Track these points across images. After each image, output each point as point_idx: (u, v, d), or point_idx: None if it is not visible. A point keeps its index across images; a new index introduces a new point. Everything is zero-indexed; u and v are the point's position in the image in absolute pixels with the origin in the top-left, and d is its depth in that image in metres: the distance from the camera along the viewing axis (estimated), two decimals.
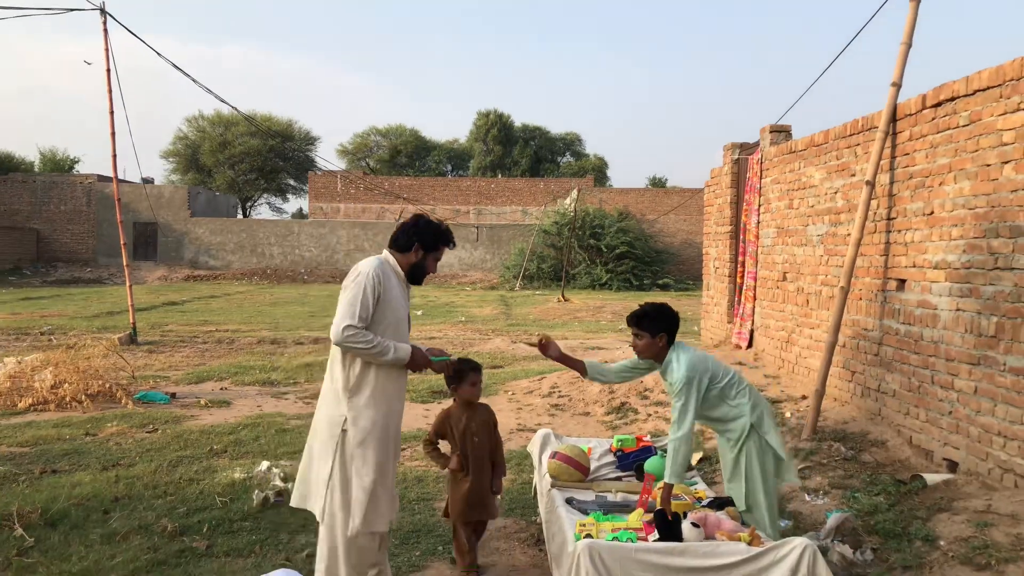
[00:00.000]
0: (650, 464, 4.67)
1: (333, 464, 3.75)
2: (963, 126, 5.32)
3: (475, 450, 4.47)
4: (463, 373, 4.51)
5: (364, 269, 3.85)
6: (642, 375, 4.57)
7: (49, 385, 8.96)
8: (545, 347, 4.40)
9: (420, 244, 4.01)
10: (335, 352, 3.86)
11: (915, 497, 5.06)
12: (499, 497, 4.68)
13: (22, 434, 7.48)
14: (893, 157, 6.26)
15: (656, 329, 4.24)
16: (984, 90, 5.08)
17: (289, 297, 25.59)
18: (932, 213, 5.67)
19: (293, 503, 3.94)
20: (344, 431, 3.77)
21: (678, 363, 4.15)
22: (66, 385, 8.98)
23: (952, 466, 5.36)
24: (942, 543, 4.34)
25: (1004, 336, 4.83)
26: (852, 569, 4.37)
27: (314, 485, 3.82)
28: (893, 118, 6.25)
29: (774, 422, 4.28)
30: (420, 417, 8.47)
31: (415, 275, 4.06)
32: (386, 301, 3.85)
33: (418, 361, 3.95)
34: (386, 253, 4.04)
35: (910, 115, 6.01)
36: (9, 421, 8.11)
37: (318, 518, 3.81)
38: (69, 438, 7.40)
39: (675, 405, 4.14)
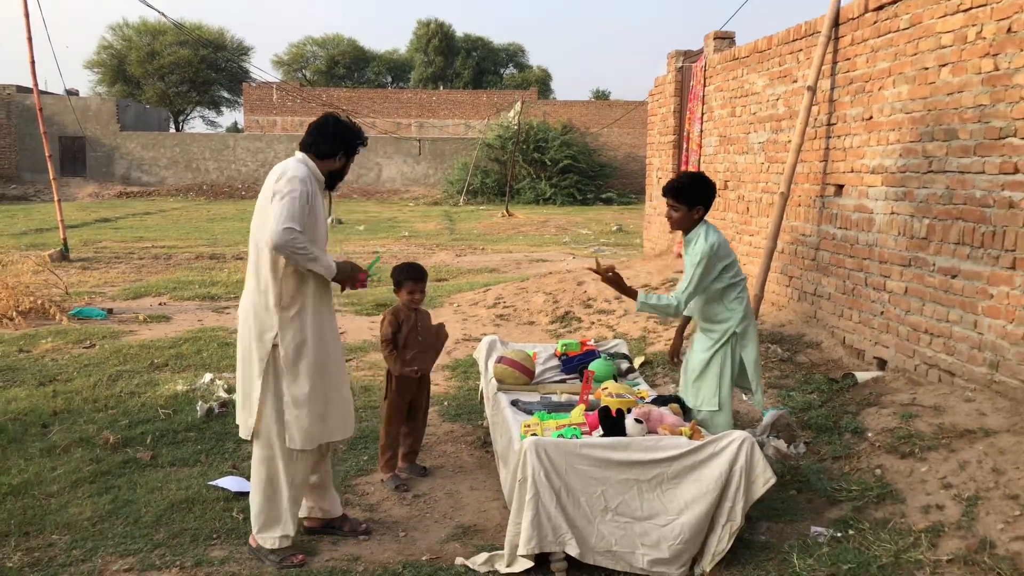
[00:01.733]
0: (594, 366, 4.74)
1: (265, 380, 3.59)
2: (903, 29, 5.34)
3: (420, 347, 4.56)
4: (399, 282, 4.54)
5: (295, 173, 3.57)
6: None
7: None
8: (609, 277, 4.22)
9: (344, 151, 3.77)
10: (264, 262, 3.58)
11: (846, 394, 5.28)
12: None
13: None
14: (835, 62, 6.27)
15: (693, 201, 4.10)
16: None
17: (227, 213, 24.97)
18: (871, 118, 5.73)
19: (243, 435, 3.76)
20: (275, 346, 3.59)
21: (705, 237, 4.05)
22: None
23: (881, 364, 5.58)
24: (870, 434, 4.55)
25: (934, 237, 4.97)
26: (786, 461, 4.57)
27: (249, 404, 3.66)
28: (836, 22, 6.24)
29: (757, 340, 4.24)
30: (366, 329, 8.46)
31: (332, 181, 3.82)
32: (314, 209, 3.62)
33: (345, 271, 3.71)
34: (303, 156, 3.73)
35: (852, 19, 6.01)
36: None
37: (246, 435, 3.69)
38: (1, 355, 7.20)
39: (687, 273, 4.07)
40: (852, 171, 5.98)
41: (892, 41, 5.47)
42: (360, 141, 3.84)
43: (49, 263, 12.00)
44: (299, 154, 3.75)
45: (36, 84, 14.04)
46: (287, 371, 3.61)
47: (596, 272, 4.10)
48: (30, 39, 13.64)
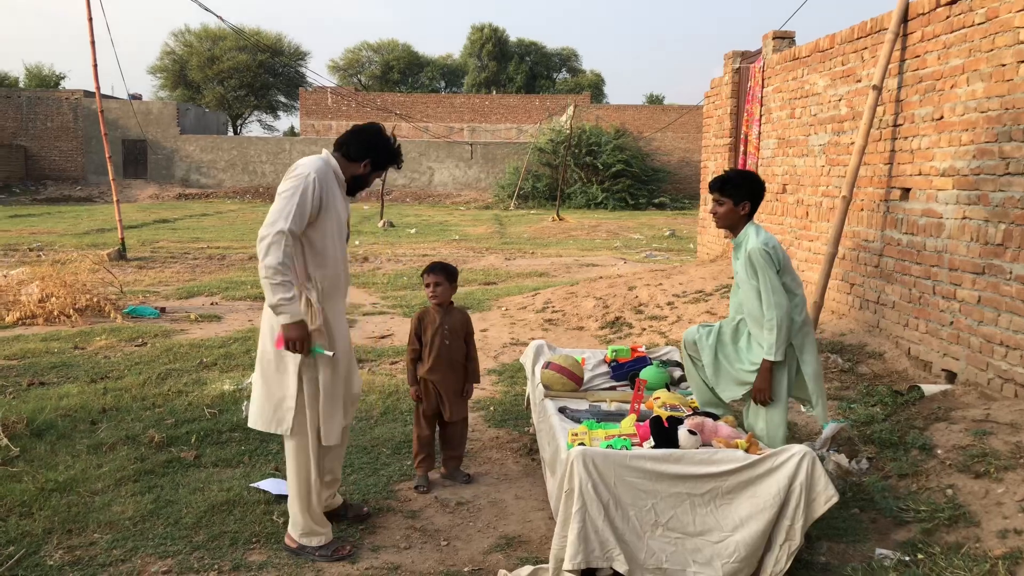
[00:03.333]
0: (645, 373, 4.57)
1: (300, 376, 3.56)
2: (979, 24, 5.06)
3: (443, 352, 4.41)
4: (422, 277, 4.48)
5: (305, 170, 3.51)
6: None
7: (36, 299, 8.83)
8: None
9: (372, 160, 3.73)
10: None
11: (912, 407, 5.01)
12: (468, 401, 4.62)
13: (10, 347, 7.38)
14: (902, 60, 6.00)
15: (740, 196, 3.94)
16: None
17: None
18: (942, 118, 5.45)
19: (251, 424, 3.73)
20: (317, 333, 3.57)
21: (756, 235, 3.88)
22: (54, 299, 8.85)
23: (951, 377, 5.29)
24: (939, 451, 4.29)
25: (1012, 244, 4.69)
26: (847, 477, 4.33)
27: (281, 404, 3.62)
28: (904, 18, 5.96)
29: (816, 352, 4.01)
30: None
31: (353, 187, 3.77)
32: (328, 206, 3.57)
33: (293, 333, 3.44)
34: (327, 154, 3.70)
35: (923, 14, 5.73)
36: None
37: (286, 435, 3.65)
38: (57, 351, 7.31)
39: (746, 281, 3.88)
40: (920, 174, 5.70)
41: (966, 36, 5.19)
42: (392, 159, 3.79)
43: (106, 262, 12.25)
44: (324, 151, 3.73)
45: (98, 89, 14.36)
46: (320, 366, 3.60)
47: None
48: (93, 44, 13.96)
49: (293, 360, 3.57)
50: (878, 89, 6.09)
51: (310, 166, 3.53)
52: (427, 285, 4.44)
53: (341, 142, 3.73)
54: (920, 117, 5.71)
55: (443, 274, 4.42)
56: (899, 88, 6.02)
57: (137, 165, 35.15)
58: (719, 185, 4.02)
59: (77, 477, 4.38)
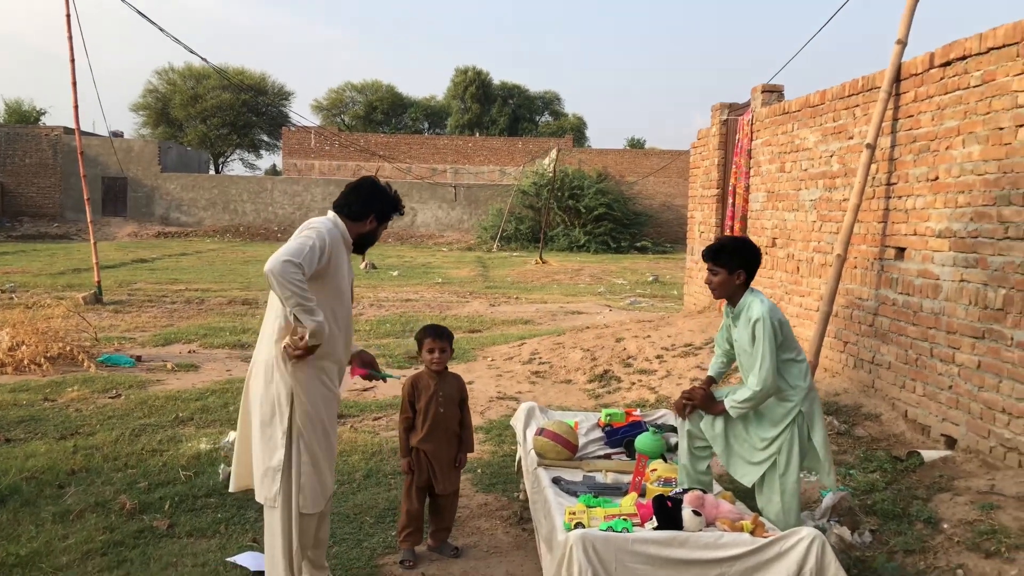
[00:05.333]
0: (641, 442, 4.40)
1: (288, 440, 3.41)
2: (974, 86, 5.03)
3: (439, 420, 4.22)
4: (421, 341, 4.29)
5: (316, 225, 3.49)
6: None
7: (6, 347, 8.54)
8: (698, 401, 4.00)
9: (376, 215, 3.67)
10: (281, 318, 3.43)
11: (913, 475, 4.87)
12: (460, 469, 4.43)
13: None
14: (895, 119, 5.97)
15: (734, 264, 3.86)
16: (999, 48, 4.79)
17: (262, 255, 25.02)
18: (937, 179, 5.40)
19: (233, 488, 3.62)
20: (292, 406, 3.42)
21: (761, 304, 3.79)
22: (24, 347, 8.57)
23: (950, 442, 5.16)
24: (946, 526, 4.14)
25: (1012, 309, 4.60)
26: (851, 552, 4.17)
27: (262, 466, 3.45)
28: (897, 78, 5.95)
29: (823, 419, 3.94)
30: (396, 384, 8.17)
31: (361, 244, 3.72)
32: (335, 268, 3.50)
33: (323, 336, 3.40)
34: (335, 216, 3.63)
35: (916, 75, 5.71)
36: None
37: (269, 503, 3.46)
38: (26, 403, 7.03)
39: (749, 351, 3.77)
40: (915, 234, 5.63)
41: (961, 99, 5.16)
42: (394, 208, 3.74)
43: (81, 306, 11.97)
44: (331, 213, 3.65)
45: (78, 127, 14.18)
46: (307, 430, 3.46)
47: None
48: (75, 85, 13.82)
49: (282, 423, 3.42)
50: (871, 147, 6.05)
51: (322, 225, 3.50)
52: (430, 350, 4.24)
53: (341, 203, 3.66)
54: (915, 177, 5.67)
55: (448, 340, 4.26)
56: (892, 147, 5.98)
57: (116, 202, 34.80)
58: (712, 255, 3.94)
59: (41, 550, 4.13)
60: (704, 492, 3.56)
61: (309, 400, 3.46)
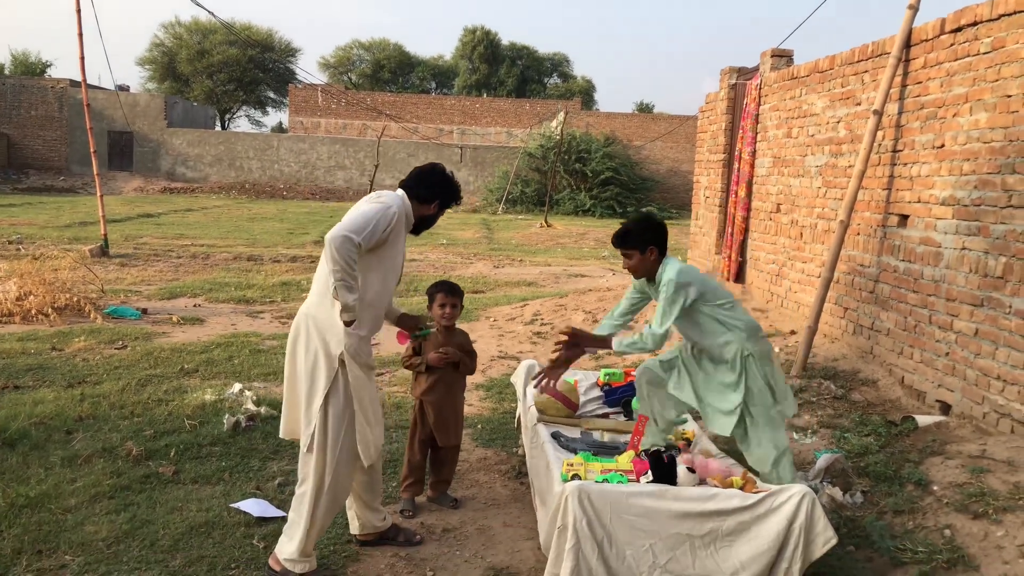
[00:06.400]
0: (639, 402, 4.47)
1: (330, 393, 3.49)
2: (984, 53, 5.01)
3: (444, 374, 4.29)
4: (432, 295, 4.33)
5: (390, 201, 3.60)
6: (646, 302, 4.26)
7: (14, 297, 8.63)
8: (574, 340, 4.10)
9: (440, 201, 3.83)
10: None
11: (906, 439, 4.94)
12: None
13: None
14: (904, 86, 5.94)
15: (644, 243, 3.96)
16: (1011, 14, 4.75)
17: (267, 213, 25.07)
18: (943, 146, 5.39)
19: (283, 435, 3.72)
20: (342, 360, 3.50)
21: (670, 267, 3.91)
22: (32, 297, 8.66)
23: (945, 408, 5.23)
24: (935, 488, 4.21)
25: (1012, 277, 4.63)
26: (842, 512, 4.25)
27: (304, 415, 3.55)
28: (907, 44, 5.90)
29: (776, 359, 4.08)
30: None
31: (420, 226, 3.86)
32: (393, 242, 3.61)
33: (354, 315, 3.48)
34: (403, 193, 3.75)
35: (926, 40, 5.67)
36: None
37: (306, 447, 3.55)
38: (34, 352, 7.13)
39: (658, 307, 3.89)
40: (919, 201, 5.64)
41: (970, 65, 5.13)
42: (455, 197, 3.89)
43: (88, 259, 12.04)
44: (400, 191, 3.77)
45: (85, 79, 14.15)
46: (355, 384, 3.54)
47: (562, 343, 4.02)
48: (81, 37, 13.74)
49: (325, 372, 3.50)
50: (879, 114, 6.03)
51: (394, 200, 3.62)
52: (442, 305, 4.28)
53: (409, 185, 3.78)
54: (921, 144, 5.66)
55: (459, 297, 4.32)
56: (900, 114, 5.96)
57: (123, 157, 34.74)
58: (621, 240, 4.03)
59: (50, 492, 4.23)
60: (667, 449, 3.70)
61: (352, 356, 3.52)
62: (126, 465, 4.65)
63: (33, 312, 8.46)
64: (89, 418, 5.40)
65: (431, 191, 3.78)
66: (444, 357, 4.24)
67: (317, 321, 3.54)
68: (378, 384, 6.65)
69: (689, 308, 3.90)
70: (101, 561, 3.61)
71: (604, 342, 4.11)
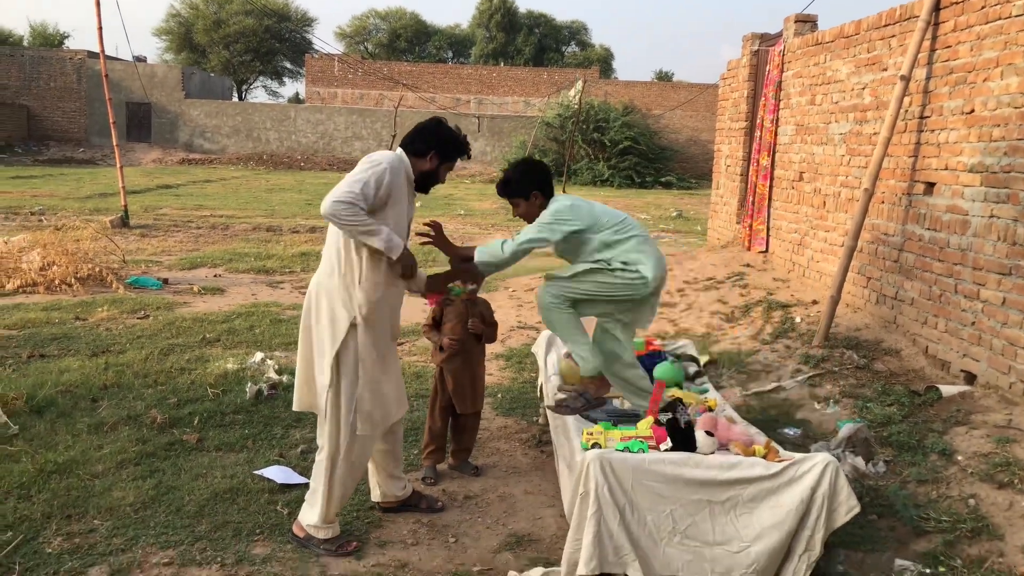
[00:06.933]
0: (660, 371, 4.45)
1: (340, 361, 3.50)
2: (1016, 16, 4.88)
3: (463, 343, 4.29)
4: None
5: (379, 157, 3.54)
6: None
7: (38, 267, 8.72)
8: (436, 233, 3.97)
9: (437, 152, 3.68)
10: (340, 241, 3.52)
11: (930, 409, 4.90)
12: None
13: (10, 316, 7.27)
14: (932, 50, 5.82)
15: (526, 190, 3.88)
16: None
17: (285, 183, 25.10)
18: (972, 112, 5.28)
19: (296, 408, 3.72)
20: (353, 326, 3.50)
21: (553, 202, 3.83)
22: (55, 268, 8.74)
23: (970, 378, 5.17)
24: (960, 458, 4.19)
25: None
26: (864, 481, 4.23)
27: (319, 385, 3.58)
28: (936, 7, 5.77)
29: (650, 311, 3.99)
30: (419, 312, 8.27)
31: (424, 183, 3.74)
32: (394, 202, 3.54)
33: (408, 258, 3.56)
34: (400, 152, 3.67)
35: (956, 3, 5.54)
36: None
37: (320, 416, 3.60)
38: (58, 322, 7.21)
39: (528, 226, 3.81)
40: (946, 168, 5.54)
41: (1002, 28, 5.01)
42: (457, 148, 3.75)
43: (109, 229, 12.12)
44: (399, 150, 3.70)
45: (103, 50, 14.14)
46: (362, 353, 3.53)
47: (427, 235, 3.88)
48: (98, 5, 13.71)
49: (331, 342, 3.51)
50: (906, 79, 5.91)
51: (383, 158, 3.54)
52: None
53: (406, 142, 3.70)
54: (949, 110, 5.55)
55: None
56: (928, 79, 5.84)
57: (141, 128, 34.82)
58: (502, 190, 3.96)
59: (77, 458, 4.29)
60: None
61: (366, 325, 3.52)
62: (151, 432, 4.71)
63: (56, 282, 8.54)
64: (114, 386, 5.46)
65: (426, 143, 3.67)
66: (454, 343, 4.26)
67: (328, 290, 3.55)
68: (398, 354, 6.70)
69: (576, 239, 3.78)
70: (129, 525, 3.66)
71: (466, 252, 3.91)
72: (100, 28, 13.95)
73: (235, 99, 46.65)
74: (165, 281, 9.14)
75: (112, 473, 4.17)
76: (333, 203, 3.36)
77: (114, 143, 14.49)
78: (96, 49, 14.55)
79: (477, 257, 3.81)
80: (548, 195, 3.91)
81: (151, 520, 3.73)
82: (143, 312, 7.70)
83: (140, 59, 38.40)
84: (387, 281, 3.59)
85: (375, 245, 3.44)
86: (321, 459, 3.59)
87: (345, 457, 3.57)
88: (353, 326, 3.50)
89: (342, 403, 3.53)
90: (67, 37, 46.85)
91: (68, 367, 5.78)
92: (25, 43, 44.13)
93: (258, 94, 54.28)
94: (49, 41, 45.31)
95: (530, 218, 3.92)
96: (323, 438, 3.59)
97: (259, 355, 6.10)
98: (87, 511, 3.77)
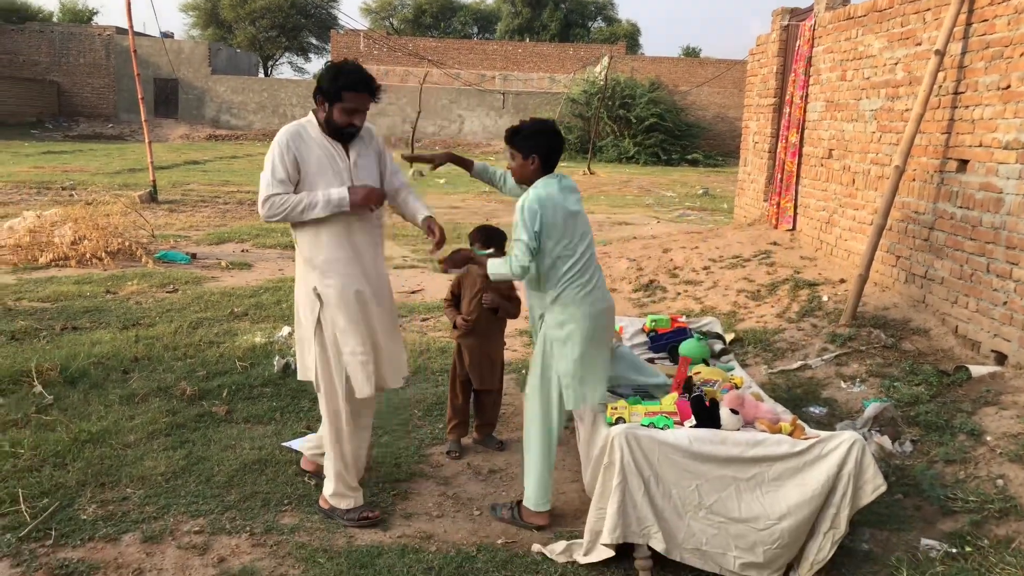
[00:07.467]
0: (685, 347, 4.45)
1: (315, 334, 3.57)
2: None
3: (479, 318, 4.32)
4: (473, 239, 4.37)
5: (275, 139, 3.59)
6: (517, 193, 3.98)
7: (69, 241, 8.85)
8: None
9: (323, 97, 3.53)
10: (291, 228, 3.67)
11: (959, 389, 4.85)
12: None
13: (43, 289, 7.40)
14: (968, 24, 5.69)
15: (528, 149, 3.67)
16: None
17: None
18: (1008, 87, 5.17)
19: (301, 377, 3.78)
20: (319, 299, 3.53)
21: (533, 190, 3.60)
22: (86, 242, 8.86)
23: (1000, 358, 5.11)
24: (989, 438, 4.15)
25: None
26: (890, 460, 4.22)
27: (308, 358, 3.66)
28: None
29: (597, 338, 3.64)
30: (445, 288, 8.30)
31: (334, 132, 3.57)
32: (303, 161, 3.52)
33: (359, 193, 3.49)
34: (309, 115, 3.67)
35: None
36: (31, 276, 8.04)
37: (315, 388, 3.69)
38: (90, 295, 7.32)
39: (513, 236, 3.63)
40: (980, 145, 5.45)
41: None
42: (342, 84, 3.46)
43: (138, 204, 12.25)
44: (311, 113, 3.71)
45: (131, 26, 14.22)
46: (339, 325, 3.55)
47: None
48: None
49: (308, 312, 3.57)
50: (940, 54, 5.80)
51: (281, 132, 3.58)
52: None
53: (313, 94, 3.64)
54: (984, 85, 5.44)
55: (501, 241, 4.32)
56: (963, 54, 5.72)
57: (168, 104, 35.05)
58: (510, 136, 3.77)
59: (110, 428, 4.37)
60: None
61: (337, 297, 3.55)
62: (181, 404, 4.78)
63: (87, 256, 8.66)
64: (144, 359, 5.54)
65: (315, 93, 3.56)
66: (466, 324, 4.29)
67: (298, 274, 3.67)
68: (422, 329, 6.73)
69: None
70: (160, 495, 3.73)
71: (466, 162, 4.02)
72: (128, 4, 14.01)
73: (261, 75, 46.76)
74: (193, 256, 9.24)
75: (143, 443, 4.25)
76: (260, 208, 3.54)
77: (142, 119, 14.60)
78: (124, 25, 14.62)
79: (492, 271, 3.68)
80: (547, 167, 3.74)
81: (182, 489, 3.80)
82: (172, 286, 7.80)
83: (167, 35, 38.58)
84: (343, 252, 3.54)
85: (320, 214, 3.48)
86: (325, 433, 3.67)
87: (346, 424, 3.62)
88: (322, 303, 3.54)
89: (333, 376, 3.59)
90: (96, 13, 47.17)
91: (100, 339, 5.88)
92: (55, 19, 44.46)
93: (284, 70, 54.44)
94: (78, 17, 45.61)
95: (517, 175, 3.82)
96: (321, 409, 3.69)
97: (286, 329, 6.16)
98: (120, 479, 3.85)
